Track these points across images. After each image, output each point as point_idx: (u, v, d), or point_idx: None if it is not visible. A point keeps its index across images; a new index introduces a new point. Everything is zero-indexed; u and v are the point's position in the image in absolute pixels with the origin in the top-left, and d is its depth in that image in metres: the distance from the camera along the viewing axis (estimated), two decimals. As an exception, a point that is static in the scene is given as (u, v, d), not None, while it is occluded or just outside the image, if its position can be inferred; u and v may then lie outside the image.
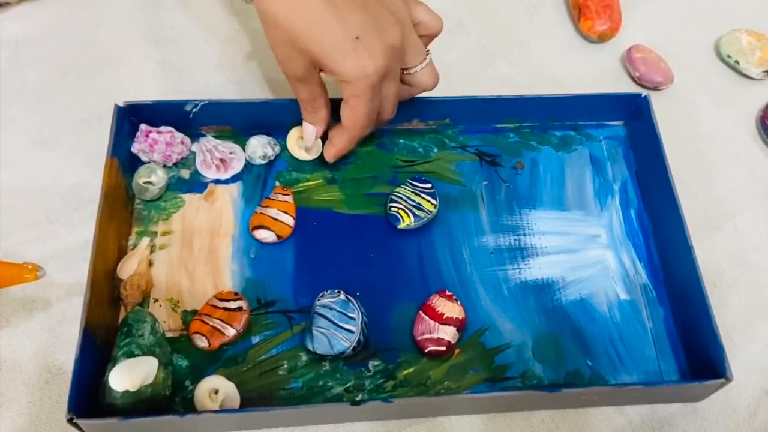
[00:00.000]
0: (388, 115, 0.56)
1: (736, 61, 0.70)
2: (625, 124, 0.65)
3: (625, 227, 0.60)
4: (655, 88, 0.68)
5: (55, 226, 0.57)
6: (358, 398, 0.51)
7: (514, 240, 0.59)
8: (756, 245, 0.61)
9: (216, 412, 0.47)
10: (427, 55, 0.56)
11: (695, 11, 0.75)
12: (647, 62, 0.68)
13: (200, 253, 0.56)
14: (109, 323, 0.51)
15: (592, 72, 0.70)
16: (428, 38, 0.57)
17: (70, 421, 0.44)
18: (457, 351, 0.53)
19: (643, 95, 0.62)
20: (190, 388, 0.50)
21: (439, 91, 0.63)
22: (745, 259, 0.60)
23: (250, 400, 0.50)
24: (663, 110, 0.66)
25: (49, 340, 0.52)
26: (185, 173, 0.59)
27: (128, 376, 0.46)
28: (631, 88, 0.69)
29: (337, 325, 0.51)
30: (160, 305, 0.54)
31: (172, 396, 0.49)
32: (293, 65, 0.53)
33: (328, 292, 0.53)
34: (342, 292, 0.53)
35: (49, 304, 0.53)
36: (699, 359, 0.53)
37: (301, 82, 0.54)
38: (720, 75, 0.71)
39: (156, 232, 0.56)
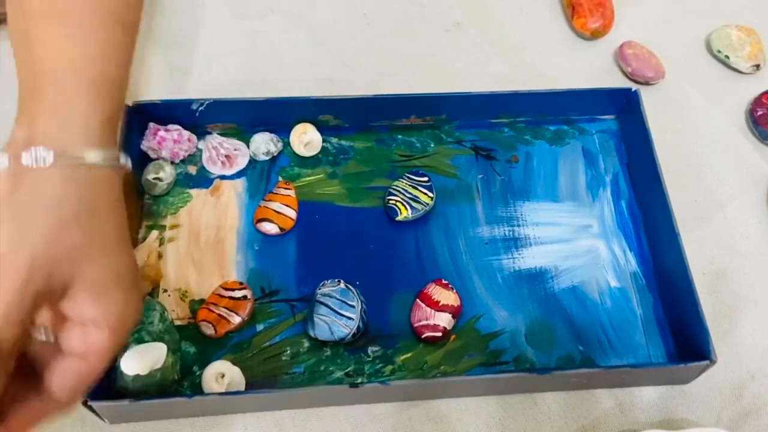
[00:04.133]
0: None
1: (726, 56, 0.71)
2: (617, 118, 0.67)
3: (616, 217, 0.62)
4: (647, 83, 0.70)
5: (68, 221, 0.59)
6: (357, 382, 0.53)
7: (509, 231, 0.61)
8: (744, 234, 0.62)
9: (222, 394, 0.49)
10: None
11: (686, 8, 0.77)
12: (639, 58, 0.70)
13: (207, 245, 0.58)
14: (120, 312, 0.54)
15: (585, 68, 0.72)
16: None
17: (84, 403, 0.47)
18: (453, 337, 0.56)
19: (633, 90, 0.64)
20: (198, 372, 0.52)
21: (436, 88, 0.65)
22: (733, 247, 0.62)
23: (254, 384, 0.52)
24: (654, 104, 0.68)
25: (64, 329, 0.55)
26: (192, 169, 0.62)
27: (139, 360, 0.48)
28: (624, 84, 0.70)
29: (338, 313, 0.54)
30: (169, 295, 0.56)
31: (180, 380, 0.52)
32: None
33: (329, 281, 0.56)
34: (342, 281, 0.55)
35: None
36: (686, 344, 0.55)
37: None
38: (710, 69, 0.72)
39: (164, 226, 0.59)
